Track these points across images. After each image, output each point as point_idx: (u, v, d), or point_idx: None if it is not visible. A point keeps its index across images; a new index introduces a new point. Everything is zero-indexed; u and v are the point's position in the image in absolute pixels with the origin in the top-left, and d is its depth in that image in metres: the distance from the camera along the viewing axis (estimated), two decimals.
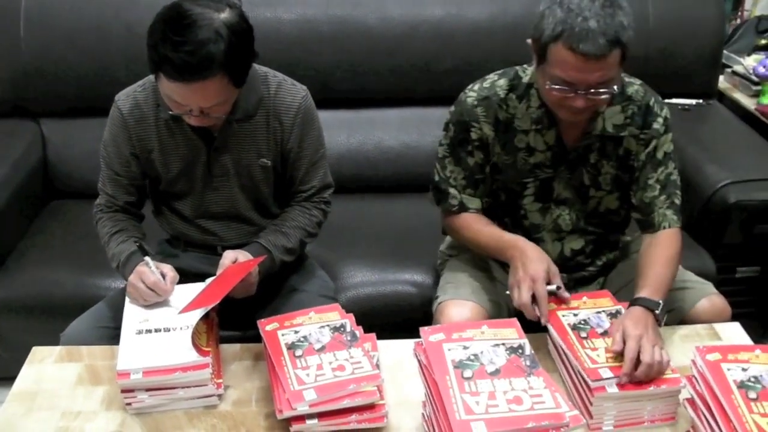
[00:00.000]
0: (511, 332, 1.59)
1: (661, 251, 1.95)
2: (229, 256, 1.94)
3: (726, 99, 3.50)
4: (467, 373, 1.48)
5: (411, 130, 3.02)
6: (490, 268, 2.16)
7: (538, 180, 2.04)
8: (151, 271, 1.86)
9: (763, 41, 3.77)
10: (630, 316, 1.75)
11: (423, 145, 2.95)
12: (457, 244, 2.23)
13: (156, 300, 1.85)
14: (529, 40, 1.85)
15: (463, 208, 2.06)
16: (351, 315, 1.81)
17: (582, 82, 1.77)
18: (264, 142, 2.02)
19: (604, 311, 1.82)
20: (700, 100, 3.16)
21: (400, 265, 2.56)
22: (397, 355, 1.84)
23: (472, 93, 2.01)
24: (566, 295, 1.85)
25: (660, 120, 2.00)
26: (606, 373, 1.63)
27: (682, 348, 1.87)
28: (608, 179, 2.05)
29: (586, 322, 1.78)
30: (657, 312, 1.79)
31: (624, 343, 1.67)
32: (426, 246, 2.46)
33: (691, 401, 1.61)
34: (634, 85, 2.01)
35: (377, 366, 1.69)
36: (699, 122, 3.02)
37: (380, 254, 2.61)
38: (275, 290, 2.14)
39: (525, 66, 2.01)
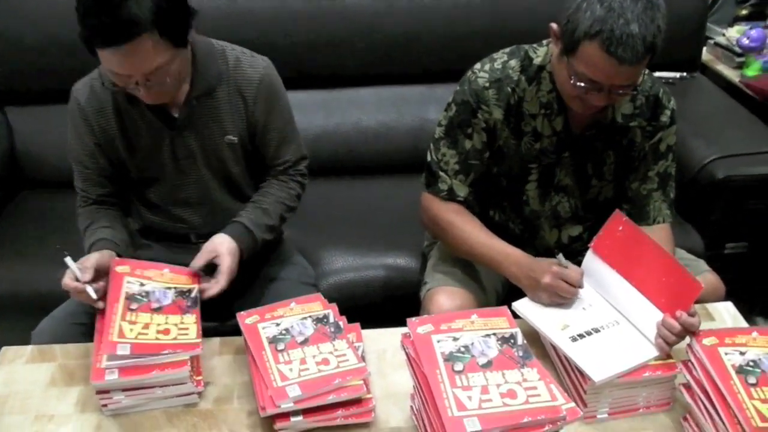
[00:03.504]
0: (502, 321, 1.54)
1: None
2: (205, 255, 1.89)
3: (709, 72, 3.47)
4: (458, 366, 1.43)
5: (389, 110, 2.98)
6: None
7: (541, 166, 1.99)
8: (70, 270, 1.76)
9: (744, 11, 3.74)
10: None
11: (402, 125, 2.91)
12: None
13: (88, 300, 1.75)
14: (554, 25, 1.78)
15: (452, 194, 1.99)
16: (334, 305, 1.77)
17: (609, 83, 1.71)
18: (228, 119, 1.97)
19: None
20: (684, 73, 3.13)
21: (384, 248, 2.53)
22: (382, 344, 1.80)
23: (483, 74, 1.94)
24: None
25: (668, 112, 1.97)
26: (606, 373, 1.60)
27: None
28: (612, 169, 2.01)
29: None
30: None
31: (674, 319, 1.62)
32: (410, 228, 2.41)
33: (687, 387, 1.58)
34: (643, 75, 1.95)
35: (362, 358, 1.66)
36: (683, 96, 2.97)
37: (362, 238, 2.57)
38: (253, 279, 2.10)
39: (535, 46, 1.94)
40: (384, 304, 2.43)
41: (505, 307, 1.60)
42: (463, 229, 1.97)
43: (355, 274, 2.47)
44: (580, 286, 1.78)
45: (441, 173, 2.00)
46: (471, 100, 1.93)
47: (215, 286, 1.84)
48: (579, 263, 1.86)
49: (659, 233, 1.96)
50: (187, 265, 1.88)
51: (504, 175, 2.02)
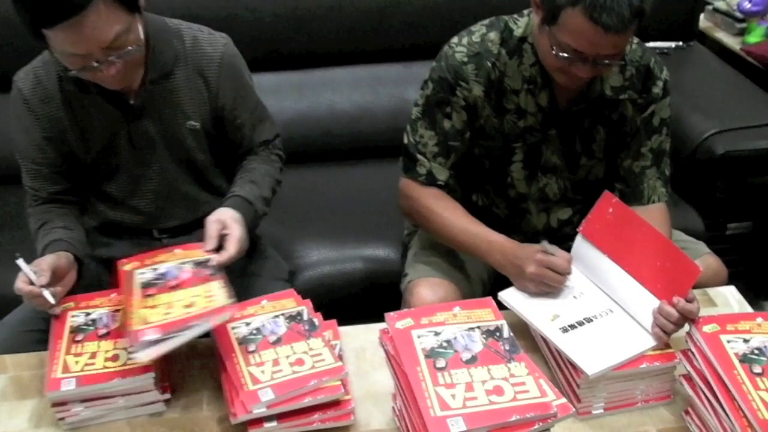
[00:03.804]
0: (487, 313, 1.54)
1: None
2: (214, 226, 1.81)
3: (707, 40, 3.48)
4: (440, 363, 1.43)
5: (365, 90, 2.98)
6: None
7: (526, 145, 1.98)
8: (22, 273, 1.73)
9: None
10: None
11: (379, 106, 2.92)
12: None
13: (44, 305, 1.73)
14: None
15: (431, 178, 1.99)
16: (308, 301, 1.76)
17: (593, 53, 1.71)
18: (189, 103, 1.96)
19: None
20: (680, 42, 3.13)
21: (362, 239, 2.54)
22: (361, 341, 1.80)
23: (461, 48, 1.93)
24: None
25: (660, 84, 1.97)
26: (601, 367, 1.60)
27: None
28: (602, 146, 2.01)
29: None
30: None
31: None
32: (390, 216, 2.42)
33: (687, 378, 1.58)
34: (632, 44, 1.95)
35: (340, 357, 1.65)
36: (679, 67, 2.99)
37: (339, 228, 2.58)
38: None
39: (515, 17, 1.94)
40: (365, 299, 2.42)
41: (489, 298, 1.60)
42: (443, 215, 1.97)
43: (332, 268, 2.48)
44: (568, 273, 1.78)
45: (419, 156, 1.99)
46: (449, 76, 1.92)
47: (224, 254, 1.77)
48: (570, 249, 1.86)
49: (654, 213, 1.96)
50: None
51: (486, 156, 2.01)
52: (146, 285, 1.70)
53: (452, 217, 1.96)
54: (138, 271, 1.75)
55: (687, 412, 1.59)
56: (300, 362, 1.59)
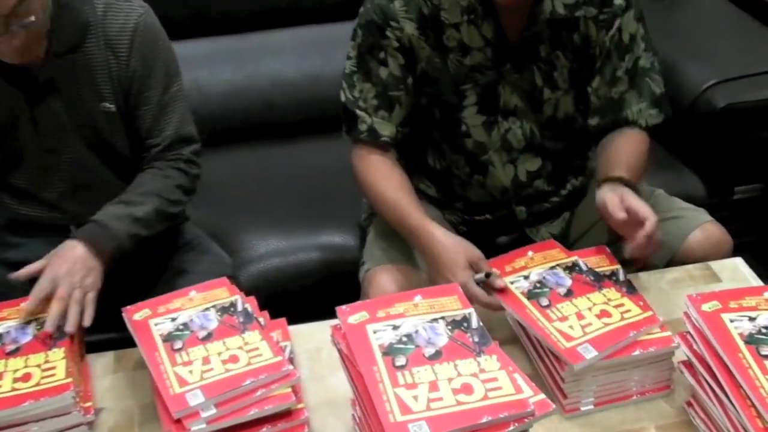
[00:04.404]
0: (453, 301, 1.55)
1: (629, 141, 2.00)
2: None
3: None
4: (400, 361, 1.43)
5: (312, 55, 2.99)
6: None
7: (478, 86, 2.00)
8: None
9: None
10: (629, 193, 1.81)
11: (329, 73, 2.88)
12: None
13: None
14: None
15: (373, 134, 2.01)
16: (243, 293, 1.77)
17: None
18: (102, 81, 1.95)
19: (559, 265, 1.80)
20: None
21: (315, 225, 2.55)
22: (316, 341, 1.80)
23: None
24: (499, 283, 1.76)
25: None
26: (589, 351, 1.59)
27: (672, 297, 1.86)
28: (565, 74, 2.02)
29: (542, 284, 1.75)
30: None
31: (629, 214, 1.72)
32: (346, 198, 2.43)
33: (687, 364, 1.59)
34: None
35: (290, 360, 1.66)
36: (674, 9, 3.00)
37: (288, 215, 2.58)
38: (154, 275, 2.11)
39: None
40: (321, 293, 2.39)
41: (455, 284, 1.60)
42: (378, 183, 2.00)
43: (282, 260, 2.48)
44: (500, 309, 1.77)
45: (359, 112, 2.02)
46: (376, 18, 1.95)
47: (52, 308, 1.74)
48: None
49: (627, 139, 2.01)
50: None
51: (435, 103, 2.03)
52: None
53: (385, 185, 1.99)
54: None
55: (689, 404, 1.60)
56: (234, 359, 1.58)
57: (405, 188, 1.98)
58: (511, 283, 1.76)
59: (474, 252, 1.82)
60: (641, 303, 1.70)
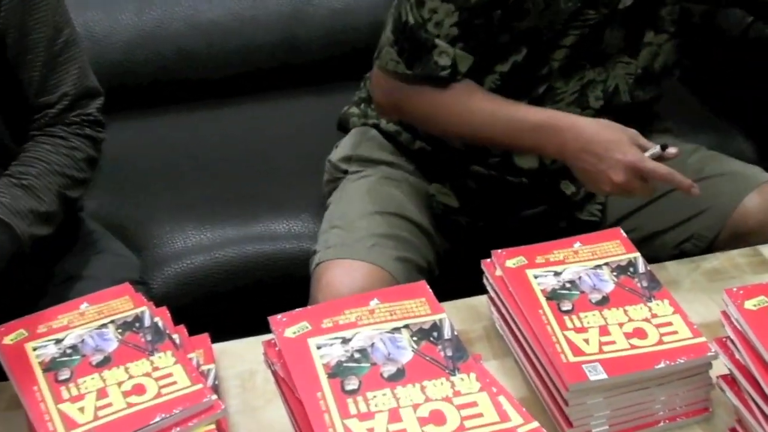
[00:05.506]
0: (419, 305, 1.57)
1: None
2: None
3: None
4: (351, 384, 1.44)
5: None
6: (408, 197, 2.18)
7: (587, 27, 2.02)
8: None
9: None
10: None
11: (263, 14, 2.95)
12: (364, 152, 2.25)
13: None
14: None
15: (455, 72, 2.02)
16: (152, 303, 1.76)
17: None
18: None
19: (608, 264, 1.79)
20: None
21: (250, 211, 2.56)
22: (249, 363, 1.80)
23: None
24: (673, 151, 1.87)
25: None
26: (596, 372, 1.58)
27: (710, 292, 1.87)
28: (675, 14, 2.07)
29: (573, 284, 1.75)
30: None
31: None
32: (291, 174, 2.44)
33: (729, 379, 1.59)
34: None
35: (215, 388, 1.65)
36: None
37: (213, 199, 2.60)
38: (41, 283, 2.10)
39: None
40: (258, 300, 2.39)
41: (423, 283, 1.62)
42: (470, 103, 2.03)
43: (206, 257, 2.49)
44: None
45: (436, 41, 2.00)
46: None
47: None
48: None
49: None
50: None
51: (524, 41, 2.04)
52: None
53: (476, 102, 2.03)
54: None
55: (734, 431, 1.60)
56: (139, 390, 1.57)
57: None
58: (535, 277, 1.75)
59: (629, 129, 1.89)
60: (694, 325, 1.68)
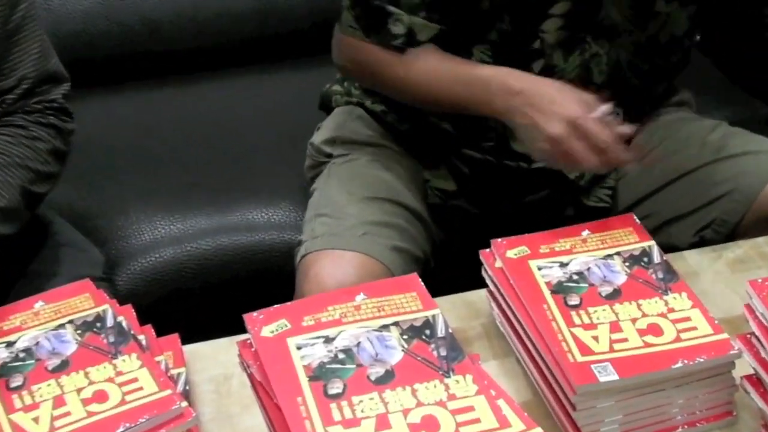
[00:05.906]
0: (409, 300, 1.57)
1: None
2: None
3: None
4: (335, 388, 1.44)
5: None
6: (400, 181, 2.19)
7: None
8: None
9: None
10: None
11: None
12: (349, 133, 2.26)
13: None
14: None
15: (411, 40, 2.04)
16: (115, 301, 1.76)
17: None
18: None
19: (620, 253, 1.79)
20: None
21: (225, 199, 2.57)
22: (224, 366, 1.81)
23: None
24: (625, 129, 1.87)
25: None
26: (606, 373, 1.58)
27: (733, 283, 1.87)
28: None
29: (581, 276, 1.75)
30: None
31: None
32: (269, 158, 2.46)
33: (754, 380, 1.59)
34: None
35: (185, 394, 1.64)
36: None
37: (184, 185, 2.61)
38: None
39: None
40: (235, 297, 2.41)
41: (414, 276, 1.62)
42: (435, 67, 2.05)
43: (176, 249, 2.49)
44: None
45: (389, 8, 2.02)
46: None
47: None
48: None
49: None
50: None
51: (509, 9, 2.05)
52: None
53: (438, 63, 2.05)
54: None
55: None
56: (101, 397, 1.56)
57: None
58: (539, 269, 1.76)
59: (585, 93, 1.89)
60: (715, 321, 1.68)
